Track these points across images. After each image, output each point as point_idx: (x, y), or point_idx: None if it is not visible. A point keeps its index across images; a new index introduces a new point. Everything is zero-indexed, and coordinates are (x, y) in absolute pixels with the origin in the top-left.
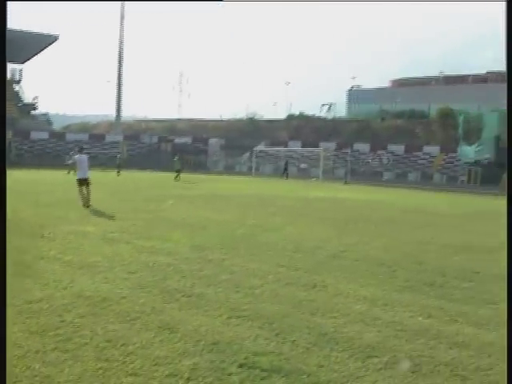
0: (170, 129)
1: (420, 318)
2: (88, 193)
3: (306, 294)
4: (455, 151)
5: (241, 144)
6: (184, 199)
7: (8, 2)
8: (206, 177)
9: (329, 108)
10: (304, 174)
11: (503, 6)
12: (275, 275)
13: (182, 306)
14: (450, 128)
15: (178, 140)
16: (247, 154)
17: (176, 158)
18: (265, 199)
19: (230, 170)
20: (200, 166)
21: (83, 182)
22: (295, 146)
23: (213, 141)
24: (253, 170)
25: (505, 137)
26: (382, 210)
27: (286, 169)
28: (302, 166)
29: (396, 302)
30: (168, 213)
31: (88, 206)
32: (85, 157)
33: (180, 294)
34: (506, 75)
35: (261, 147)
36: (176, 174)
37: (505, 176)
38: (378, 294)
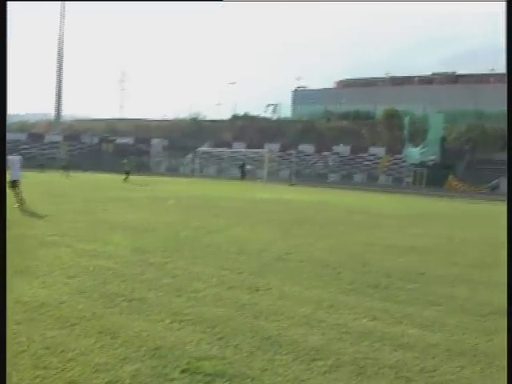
0: (111, 129)
1: (365, 320)
2: (20, 193)
3: (250, 297)
4: (401, 152)
5: (184, 145)
6: (127, 201)
7: (8, 2)
8: (148, 178)
9: (274, 109)
10: (249, 176)
11: (503, 5)
12: (218, 278)
13: (123, 310)
14: (396, 129)
15: (119, 140)
16: (190, 155)
17: (126, 160)
18: (209, 201)
19: (173, 171)
20: (142, 168)
21: (14, 184)
22: (240, 147)
23: (155, 141)
24: (196, 172)
25: (450, 138)
26: (327, 212)
27: (243, 171)
28: (247, 167)
29: (341, 304)
30: (110, 215)
31: (23, 208)
32: (17, 158)
33: (121, 298)
34: (506, 76)
35: (204, 148)
36: (125, 175)
37: (451, 177)
38: (323, 296)
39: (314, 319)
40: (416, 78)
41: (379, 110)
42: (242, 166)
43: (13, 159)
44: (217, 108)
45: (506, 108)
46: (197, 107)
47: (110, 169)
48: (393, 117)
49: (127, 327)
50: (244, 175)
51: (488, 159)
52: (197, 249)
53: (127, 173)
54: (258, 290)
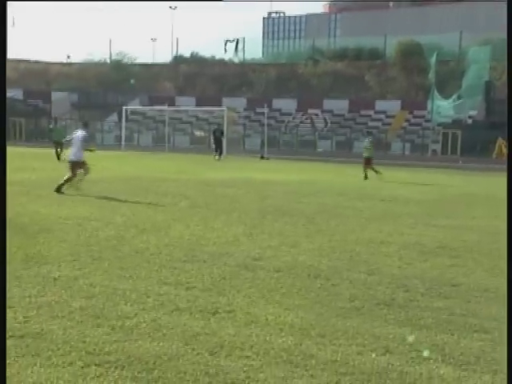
0: None
1: (373, 355)
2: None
3: (204, 325)
4: (424, 108)
5: (103, 101)
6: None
7: (8, 2)
8: (49, 152)
9: (236, 46)
10: (200, 147)
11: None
12: (157, 298)
13: (8, 351)
14: (417, 73)
15: None
16: (114, 117)
17: (52, 125)
18: (142, 185)
19: (86, 140)
20: (39, 135)
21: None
22: (186, 104)
23: (58, 96)
24: (123, 141)
25: (500, 83)
26: (316, 197)
27: (218, 140)
28: (198, 133)
29: (338, 332)
30: None
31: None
32: (79, 134)
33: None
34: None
35: (134, 106)
36: (56, 149)
37: (501, 141)
38: (311, 321)
39: (300, 354)
40: None
41: (391, 45)
42: (218, 133)
43: (75, 135)
44: (151, 45)
45: None
46: (121, 44)
47: None
48: (412, 54)
49: (11, 376)
50: (220, 148)
51: None
52: (124, 255)
53: (58, 144)
54: (215, 314)
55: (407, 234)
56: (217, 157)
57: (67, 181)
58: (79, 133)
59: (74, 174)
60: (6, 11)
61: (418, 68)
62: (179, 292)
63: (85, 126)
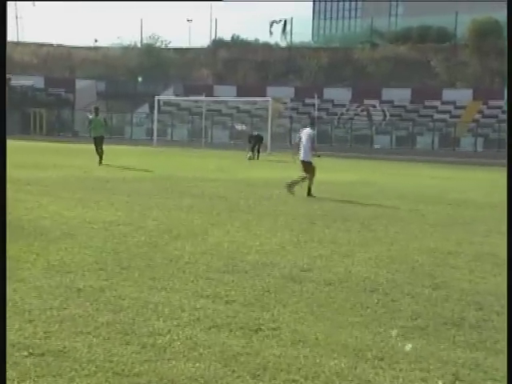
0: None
1: (440, 383)
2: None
3: (245, 344)
4: (501, 97)
5: (133, 90)
6: (36, 185)
7: (8, 2)
8: (72, 147)
9: (283, 28)
10: (241, 142)
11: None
12: (192, 312)
13: (27, 370)
14: (494, 56)
15: (16, 81)
16: (145, 108)
17: (93, 116)
18: (176, 184)
19: (114, 134)
20: (61, 129)
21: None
22: (226, 94)
23: (83, 84)
24: (155, 136)
25: None
26: (374, 199)
27: (256, 142)
28: (239, 127)
29: (398, 355)
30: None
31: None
32: (307, 131)
33: (24, 350)
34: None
35: (168, 96)
36: (97, 148)
37: None
38: (367, 341)
39: (353, 380)
40: None
41: (463, 24)
42: (254, 137)
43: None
44: (187, 27)
45: None
46: (153, 26)
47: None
48: (488, 34)
49: None
50: (256, 149)
51: None
52: (156, 265)
53: (99, 140)
54: (257, 331)
55: (479, 243)
56: (249, 154)
57: (298, 181)
58: (305, 131)
59: (307, 174)
60: (6, 11)
61: (494, 50)
62: (217, 306)
63: (312, 123)
